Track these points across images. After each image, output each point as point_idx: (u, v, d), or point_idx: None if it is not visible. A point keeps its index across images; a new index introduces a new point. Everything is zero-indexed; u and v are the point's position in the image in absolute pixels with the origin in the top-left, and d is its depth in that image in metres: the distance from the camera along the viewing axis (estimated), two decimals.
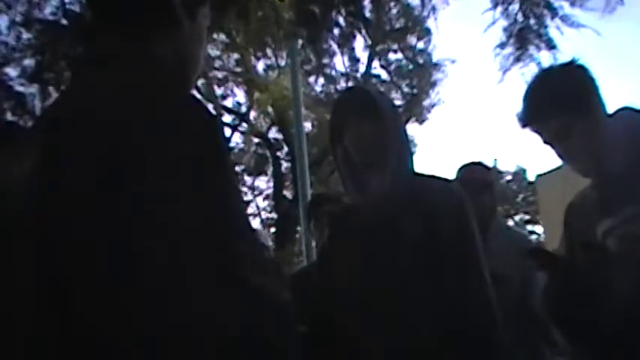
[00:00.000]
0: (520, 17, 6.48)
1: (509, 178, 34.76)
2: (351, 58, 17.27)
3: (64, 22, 6.88)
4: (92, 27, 1.41)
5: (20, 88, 7.26)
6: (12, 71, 7.20)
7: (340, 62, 17.25)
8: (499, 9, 6.50)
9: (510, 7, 6.49)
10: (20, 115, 7.19)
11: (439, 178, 2.47)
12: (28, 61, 7.01)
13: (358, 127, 2.39)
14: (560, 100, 2.18)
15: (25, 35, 6.94)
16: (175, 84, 1.36)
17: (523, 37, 6.48)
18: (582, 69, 2.25)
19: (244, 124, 19.56)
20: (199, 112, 1.23)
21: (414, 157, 2.48)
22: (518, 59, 6.60)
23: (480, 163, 3.59)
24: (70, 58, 6.53)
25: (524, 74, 6.57)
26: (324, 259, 2.65)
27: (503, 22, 6.51)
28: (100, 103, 1.19)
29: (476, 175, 3.45)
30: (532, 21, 6.46)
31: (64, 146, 1.17)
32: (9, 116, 7.17)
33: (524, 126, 2.29)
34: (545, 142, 2.27)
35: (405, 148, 2.45)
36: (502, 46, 6.62)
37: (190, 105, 1.23)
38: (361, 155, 2.40)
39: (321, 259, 2.75)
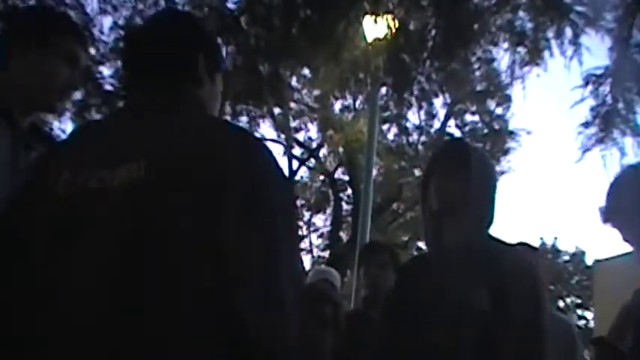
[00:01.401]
0: (609, 100, 6.44)
1: (566, 258, 34.14)
2: (428, 113, 17.29)
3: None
4: (129, 81, 1.77)
5: (109, 87, 7.50)
6: (106, 70, 7.45)
7: (416, 115, 17.30)
8: (589, 88, 6.46)
9: (601, 88, 6.45)
10: (105, 114, 7.40)
11: (515, 247, 2.45)
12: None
13: (444, 173, 2.42)
14: None
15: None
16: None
17: (609, 119, 6.43)
18: None
19: (312, 160, 19.68)
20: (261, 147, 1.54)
21: (492, 223, 2.47)
22: (600, 141, 6.53)
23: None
24: None
25: (604, 157, 6.50)
26: (391, 310, 2.63)
27: (591, 102, 6.48)
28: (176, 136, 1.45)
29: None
30: (621, 105, 6.41)
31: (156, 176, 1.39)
32: (94, 112, 7.38)
33: (605, 221, 2.27)
34: (625, 239, 2.24)
35: (487, 207, 2.44)
36: (586, 125, 6.57)
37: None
38: (439, 201, 2.41)
39: (388, 309, 2.73)
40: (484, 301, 2.20)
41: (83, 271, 1.32)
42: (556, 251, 34.02)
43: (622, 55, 6.30)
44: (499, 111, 17.62)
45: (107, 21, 7.36)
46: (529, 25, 7.32)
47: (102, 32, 7.17)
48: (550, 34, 6.91)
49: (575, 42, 6.66)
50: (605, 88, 6.43)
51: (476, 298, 2.22)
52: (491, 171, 2.60)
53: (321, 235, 21.85)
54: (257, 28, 6.87)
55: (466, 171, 2.38)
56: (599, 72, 6.43)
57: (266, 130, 18.83)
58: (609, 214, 2.27)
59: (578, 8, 6.57)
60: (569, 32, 6.69)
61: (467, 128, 18.34)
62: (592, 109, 6.49)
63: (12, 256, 1.42)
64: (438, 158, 2.55)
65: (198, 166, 1.37)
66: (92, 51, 6.80)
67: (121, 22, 6.97)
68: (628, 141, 6.47)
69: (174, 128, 1.47)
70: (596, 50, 6.81)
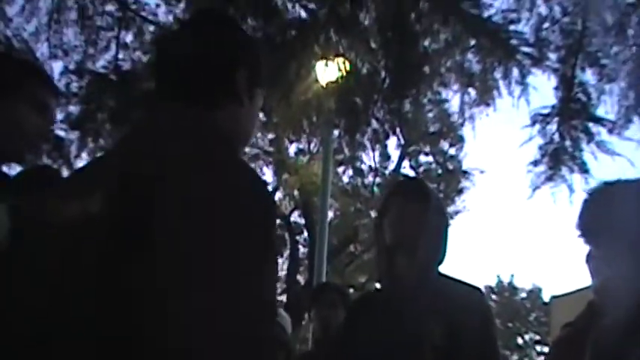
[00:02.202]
0: (557, 138, 6.56)
1: (524, 295, 34.39)
2: (382, 155, 17.42)
3: (113, 77, 7.09)
4: (161, 95, 1.51)
5: (61, 133, 7.44)
6: (58, 114, 7.38)
7: (371, 157, 17.41)
8: (537, 127, 6.59)
9: (548, 127, 6.58)
10: (55, 159, 7.33)
11: (466, 284, 2.47)
12: (73, 108, 7.23)
13: (399, 208, 2.45)
14: (621, 216, 2.15)
15: (75, 84, 7.16)
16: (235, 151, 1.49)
17: (557, 157, 6.55)
18: None
19: None
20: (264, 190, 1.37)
21: (443, 261, 2.49)
22: (550, 179, 6.64)
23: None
24: (113, 111, 6.72)
25: (554, 194, 6.59)
26: (345, 342, 2.62)
27: (539, 140, 6.60)
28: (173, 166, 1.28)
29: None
30: (568, 143, 6.54)
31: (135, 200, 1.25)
32: (45, 158, 7.31)
33: (580, 236, 2.26)
34: (599, 257, 2.23)
35: (439, 244, 2.46)
36: (535, 163, 6.68)
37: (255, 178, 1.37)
38: (394, 235, 2.43)
39: (337, 344, 2.73)
40: (438, 336, 2.22)
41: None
42: (513, 289, 34.31)
43: (567, 94, 6.45)
44: (452, 151, 17.85)
45: (58, 66, 7.33)
46: (477, 66, 7.46)
47: (52, 77, 7.15)
48: (498, 74, 7.04)
49: (522, 82, 6.79)
50: (552, 127, 6.56)
51: (430, 333, 2.23)
52: (443, 209, 2.62)
53: (278, 280, 21.72)
54: None
55: (421, 206, 2.40)
56: (545, 111, 6.56)
57: None
58: (584, 229, 2.26)
59: (525, 49, 6.72)
60: (516, 72, 6.83)
61: (421, 169, 18.51)
62: (540, 147, 6.61)
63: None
64: (392, 195, 2.57)
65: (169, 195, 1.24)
66: None
67: (71, 66, 6.96)
68: (576, 177, 6.58)
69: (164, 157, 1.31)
70: (543, 89, 6.96)
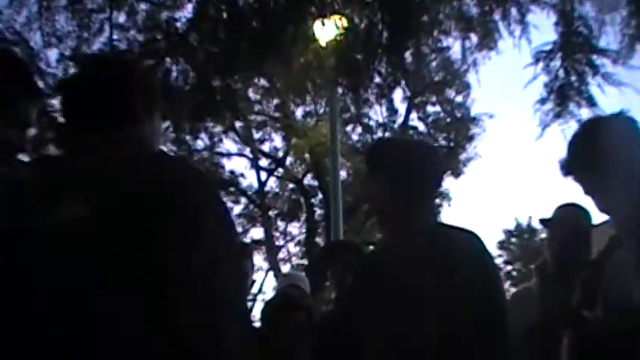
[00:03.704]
0: (562, 74, 6.48)
1: (543, 236, 34.41)
2: (389, 109, 17.38)
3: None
4: (69, 130, 1.75)
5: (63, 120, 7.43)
6: (57, 103, 7.36)
7: (378, 112, 17.37)
8: (540, 65, 6.50)
9: (552, 64, 6.49)
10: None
11: (462, 229, 2.46)
12: None
13: (366, 177, 2.53)
14: (603, 153, 2.17)
15: (73, 69, 7.13)
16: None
17: (564, 93, 6.47)
18: (629, 120, 2.24)
19: (280, 169, 19.68)
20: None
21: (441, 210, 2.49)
22: (558, 115, 6.57)
23: (576, 205, 3.39)
24: None
25: (564, 131, 6.53)
26: (352, 306, 2.66)
27: (544, 78, 6.52)
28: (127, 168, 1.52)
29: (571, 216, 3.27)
30: (573, 78, 6.46)
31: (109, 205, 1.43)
32: (50, 147, 7.30)
33: (565, 174, 2.28)
34: (586, 192, 2.26)
35: (422, 199, 2.46)
36: (542, 102, 6.59)
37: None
38: (366, 203, 2.54)
39: (349, 306, 2.77)
40: (434, 290, 2.22)
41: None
42: (531, 230, 34.34)
43: (568, 29, 6.36)
44: (459, 99, 17.76)
45: (53, 53, 7.29)
46: (476, 10, 7.37)
47: (49, 65, 7.10)
48: (497, 16, 6.95)
49: (521, 21, 6.70)
50: (556, 63, 6.48)
51: (426, 288, 2.23)
52: (421, 163, 2.52)
53: (298, 243, 21.86)
54: (205, 45, 6.84)
55: (383, 172, 2.43)
56: (548, 48, 6.47)
57: (230, 144, 18.80)
58: (569, 167, 2.28)
59: None
60: (514, 12, 6.73)
61: (429, 119, 18.47)
62: (545, 85, 6.53)
63: None
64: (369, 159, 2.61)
65: (135, 199, 1.43)
66: (41, 84, 6.73)
67: (67, 53, 6.92)
68: (584, 112, 6.52)
69: (109, 165, 1.54)
70: (543, 27, 6.87)
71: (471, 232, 2.40)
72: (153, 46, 6.69)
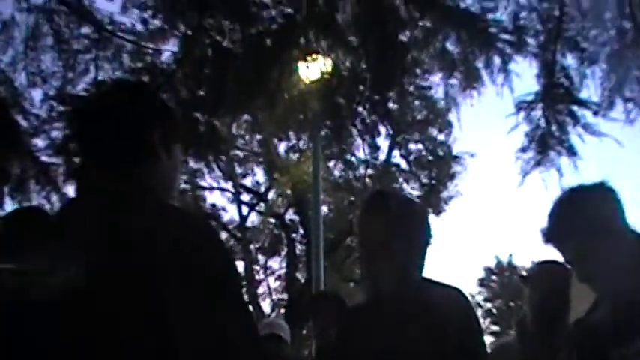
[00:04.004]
0: (543, 123, 6.58)
1: (523, 273, 34.50)
2: (372, 146, 17.39)
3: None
4: (86, 165, 1.70)
5: (45, 159, 7.43)
6: (40, 142, 7.38)
7: (361, 149, 17.39)
8: (522, 114, 6.60)
9: (533, 113, 6.59)
10: (43, 185, 7.31)
11: (447, 285, 2.51)
12: (56, 133, 7.22)
13: (361, 221, 2.52)
14: (582, 224, 2.22)
15: (57, 108, 7.15)
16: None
17: (545, 142, 6.57)
18: (609, 191, 2.28)
19: (262, 204, 19.66)
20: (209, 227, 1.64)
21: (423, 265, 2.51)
22: (539, 164, 6.66)
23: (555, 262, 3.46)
24: None
25: (544, 179, 6.62)
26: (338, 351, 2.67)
27: (525, 127, 6.61)
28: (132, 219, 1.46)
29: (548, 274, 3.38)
30: (554, 127, 6.56)
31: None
32: (32, 185, 7.29)
33: (546, 242, 2.33)
34: (566, 260, 2.30)
35: (414, 251, 2.47)
36: (523, 150, 6.70)
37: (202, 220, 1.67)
38: (359, 248, 2.53)
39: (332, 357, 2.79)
40: (421, 343, 2.25)
41: None
42: (512, 267, 34.47)
43: (549, 80, 6.46)
44: (441, 137, 17.83)
45: (38, 93, 7.30)
46: (459, 53, 7.46)
47: (32, 105, 7.11)
48: (480, 63, 7.04)
49: (504, 69, 6.80)
50: (537, 113, 6.57)
51: (412, 341, 2.26)
52: (413, 215, 2.56)
53: (278, 277, 21.77)
54: (190, 84, 6.88)
55: (379, 218, 2.43)
56: (529, 98, 6.58)
57: (211, 179, 18.77)
58: (549, 236, 2.32)
59: (504, 36, 6.72)
60: (497, 61, 6.83)
61: (412, 157, 18.50)
62: (527, 134, 6.63)
63: None
64: (360, 210, 2.65)
65: (142, 250, 1.39)
66: (25, 124, 6.73)
67: (51, 92, 6.93)
68: (564, 161, 6.61)
69: (118, 220, 1.47)
70: (525, 75, 6.97)
71: (457, 289, 2.45)
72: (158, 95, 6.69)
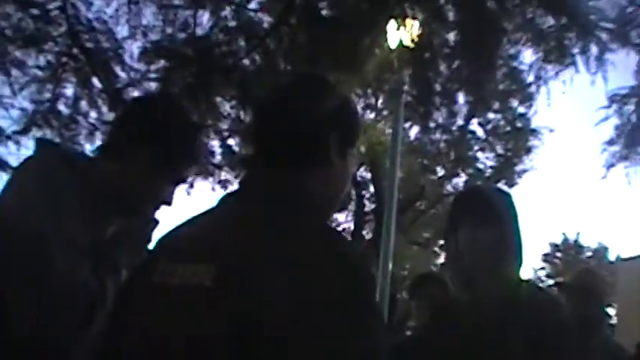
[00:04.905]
0: (634, 118, 6.47)
1: (589, 254, 34.00)
2: (450, 111, 17.19)
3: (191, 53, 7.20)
4: (255, 159, 1.60)
5: None
6: (136, 93, 7.55)
7: (439, 113, 17.18)
8: (614, 107, 6.50)
9: (625, 107, 6.48)
10: None
11: (543, 289, 2.50)
12: (153, 85, 7.35)
13: (473, 232, 2.42)
14: None
15: (154, 65, 7.30)
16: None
17: (634, 137, 6.47)
18: None
19: None
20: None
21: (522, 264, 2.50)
22: (625, 158, 6.58)
23: (591, 271, 3.51)
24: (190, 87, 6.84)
25: (628, 174, 6.54)
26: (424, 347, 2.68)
27: (615, 120, 6.52)
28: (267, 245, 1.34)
29: (586, 282, 3.40)
30: None
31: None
32: None
33: None
34: None
35: (518, 253, 2.47)
36: (611, 142, 6.61)
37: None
38: (474, 261, 2.42)
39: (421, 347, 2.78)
40: (517, 348, 2.25)
41: None
42: (579, 247, 33.96)
43: None
44: (522, 109, 17.50)
45: (137, 45, 7.43)
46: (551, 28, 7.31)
47: (132, 58, 7.26)
48: (576, 50, 6.93)
49: (600, 58, 6.68)
50: (630, 107, 6.46)
51: (509, 340, 2.26)
52: (513, 209, 2.53)
53: (342, 231, 21.92)
54: (284, 50, 6.93)
55: (494, 222, 2.40)
56: (624, 92, 6.46)
57: None
58: None
59: (605, 24, 6.58)
60: (594, 49, 6.70)
61: (489, 126, 18.22)
62: (616, 127, 6.53)
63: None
64: (462, 214, 2.53)
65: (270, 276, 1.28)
66: (123, 76, 6.89)
67: (150, 46, 7.06)
68: None
69: (261, 232, 1.39)
70: (621, 66, 6.84)
71: (558, 301, 2.44)
72: (233, 47, 6.81)
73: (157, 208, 2.03)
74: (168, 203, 2.00)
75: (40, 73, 7.63)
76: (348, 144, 1.60)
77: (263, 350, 1.22)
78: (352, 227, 19.49)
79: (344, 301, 1.28)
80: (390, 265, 8.95)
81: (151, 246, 1.96)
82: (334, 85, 1.71)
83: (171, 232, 1.60)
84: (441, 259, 21.93)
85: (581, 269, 3.46)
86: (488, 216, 2.43)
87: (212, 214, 1.55)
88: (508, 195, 2.71)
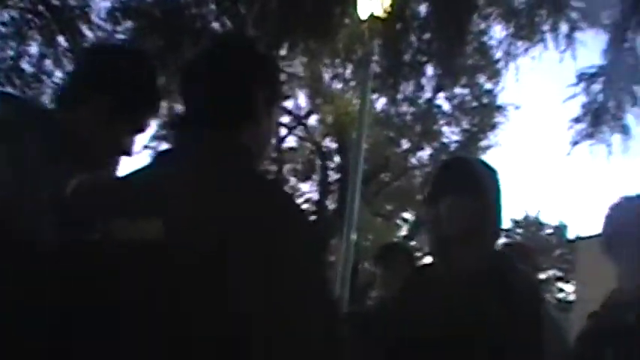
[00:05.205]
0: (600, 98, 6.52)
1: (549, 231, 34.54)
2: (417, 84, 17.20)
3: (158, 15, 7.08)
4: (186, 118, 1.67)
5: None
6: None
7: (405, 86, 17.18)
8: (581, 85, 6.54)
9: (592, 86, 6.53)
10: None
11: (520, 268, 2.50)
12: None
13: (456, 200, 2.37)
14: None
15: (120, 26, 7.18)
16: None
17: (599, 117, 6.53)
18: None
19: (301, 127, 19.65)
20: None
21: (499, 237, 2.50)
22: (590, 136, 6.64)
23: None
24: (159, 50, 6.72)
25: (592, 152, 6.61)
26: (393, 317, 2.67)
27: (582, 98, 6.57)
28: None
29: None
30: (611, 104, 6.50)
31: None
32: None
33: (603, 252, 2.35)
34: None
35: (498, 224, 2.45)
36: (577, 120, 6.67)
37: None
38: (456, 230, 2.37)
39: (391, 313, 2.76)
40: (493, 319, 2.24)
41: None
42: (539, 224, 34.44)
43: (616, 57, 6.35)
44: (489, 85, 17.58)
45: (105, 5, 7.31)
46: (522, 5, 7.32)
47: (99, 17, 7.13)
48: (546, 27, 6.95)
49: (570, 36, 6.71)
50: (597, 87, 6.51)
51: (486, 310, 2.25)
52: (496, 180, 2.49)
53: (307, 201, 21.93)
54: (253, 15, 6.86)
55: (478, 191, 2.38)
56: (592, 70, 6.50)
57: None
58: (606, 246, 2.34)
59: (576, 4, 6.61)
60: (564, 27, 6.73)
61: (455, 101, 18.30)
62: (583, 105, 6.59)
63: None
64: (441, 179, 2.49)
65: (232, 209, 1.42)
66: (90, 35, 6.78)
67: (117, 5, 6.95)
68: (616, 138, 6.58)
69: (205, 184, 1.48)
70: (591, 46, 6.88)
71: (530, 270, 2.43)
72: (203, 10, 6.73)
73: (117, 159, 1.99)
74: (128, 154, 1.96)
75: (2, 29, 7.48)
76: (273, 101, 1.68)
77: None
78: (317, 197, 19.52)
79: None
80: (354, 236, 8.95)
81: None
82: (257, 44, 1.81)
83: (113, 188, 1.64)
84: (404, 232, 22.14)
85: (515, 242, 3.47)
86: (474, 186, 2.39)
87: (150, 171, 1.61)
88: (494, 170, 2.68)
